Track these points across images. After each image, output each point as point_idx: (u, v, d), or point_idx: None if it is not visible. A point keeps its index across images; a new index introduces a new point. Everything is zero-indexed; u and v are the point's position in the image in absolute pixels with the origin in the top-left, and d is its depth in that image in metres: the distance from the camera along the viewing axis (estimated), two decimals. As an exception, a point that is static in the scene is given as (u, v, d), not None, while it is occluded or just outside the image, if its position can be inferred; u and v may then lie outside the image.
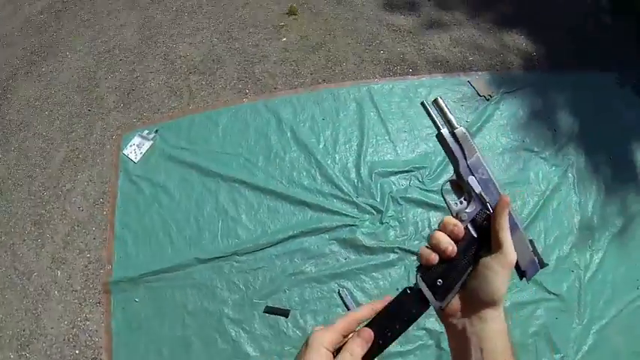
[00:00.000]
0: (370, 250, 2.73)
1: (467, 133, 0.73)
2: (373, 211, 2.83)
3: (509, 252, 0.64)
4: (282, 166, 3.03)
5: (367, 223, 2.79)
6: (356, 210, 2.82)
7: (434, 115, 0.74)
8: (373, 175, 2.96)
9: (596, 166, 3.26)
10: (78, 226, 3.89)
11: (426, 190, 2.92)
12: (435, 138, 0.76)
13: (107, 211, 3.63)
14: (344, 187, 2.89)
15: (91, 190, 4.03)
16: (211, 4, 5.39)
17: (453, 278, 0.65)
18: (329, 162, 3.02)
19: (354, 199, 2.85)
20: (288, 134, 3.12)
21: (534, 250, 0.70)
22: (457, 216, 0.70)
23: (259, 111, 3.26)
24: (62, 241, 3.85)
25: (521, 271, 0.69)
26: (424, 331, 2.54)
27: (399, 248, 2.73)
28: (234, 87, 4.36)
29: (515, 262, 0.65)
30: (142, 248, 2.83)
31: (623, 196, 3.20)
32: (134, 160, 3.11)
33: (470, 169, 0.71)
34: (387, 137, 3.15)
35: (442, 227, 0.69)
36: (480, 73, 3.54)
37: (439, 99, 0.74)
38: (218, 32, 4.95)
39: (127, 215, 2.95)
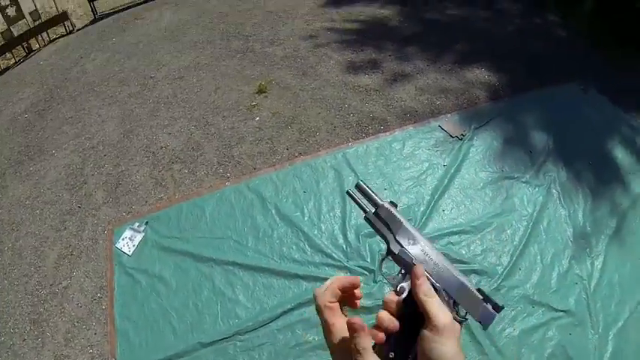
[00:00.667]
0: (368, 310, 2.72)
1: (390, 208, 0.74)
2: (365, 272, 2.89)
3: (438, 317, 0.63)
4: (271, 243, 3.09)
5: (361, 284, 2.90)
6: (349, 274, 2.85)
7: (358, 200, 0.77)
8: (360, 237, 3.03)
9: (578, 175, 3.32)
10: (78, 322, 3.99)
11: (414, 242, 3.07)
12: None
13: (106, 305, 3.76)
14: (334, 255, 2.97)
15: (88, 285, 4.17)
16: (185, 92, 5.81)
17: (401, 352, 0.65)
18: (316, 232, 3.10)
19: (346, 263, 2.92)
20: (273, 211, 3.21)
21: (485, 298, 0.68)
22: (396, 290, 0.71)
23: (242, 193, 3.37)
24: (63, 339, 3.93)
25: (478, 322, 0.68)
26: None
27: (396, 303, 2.83)
28: (215, 172, 4.62)
29: (447, 324, 0.62)
30: (145, 338, 2.85)
31: (610, 196, 3.21)
32: (128, 252, 3.21)
33: (398, 242, 0.74)
34: None
35: (384, 305, 0.70)
36: (449, 115, 3.64)
37: (360, 183, 0.77)
38: (194, 119, 5.30)
39: (127, 307, 2.99)
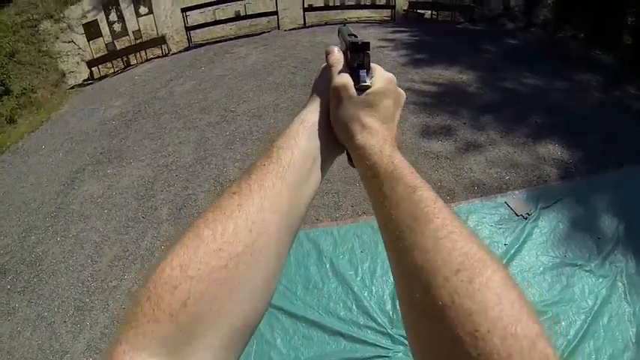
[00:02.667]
0: (408, 379, 2.66)
1: (341, 28, 0.77)
2: (407, 342, 2.92)
3: (332, 82, 0.65)
4: (319, 296, 3.12)
5: (400, 354, 2.80)
6: (390, 341, 2.85)
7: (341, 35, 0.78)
8: None
9: None
10: (118, 322, 4.12)
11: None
12: None
13: None
14: (379, 319, 2.95)
15: (135, 291, 4.35)
16: (261, 131, 6.15)
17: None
18: (365, 294, 3.10)
19: (389, 330, 2.89)
20: (327, 265, 3.26)
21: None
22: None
23: (301, 241, 3.43)
24: (100, 333, 4.06)
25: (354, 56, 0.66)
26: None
27: (434, 376, 2.77)
28: None
29: (333, 87, 0.64)
30: (178, 359, 3.09)
31: None
32: None
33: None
34: None
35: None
36: (516, 191, 3.57)
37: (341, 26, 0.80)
38: None
39: None
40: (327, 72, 0.68)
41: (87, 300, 4.35)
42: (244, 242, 0.47)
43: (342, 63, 0.67)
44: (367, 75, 0.64)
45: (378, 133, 0.61)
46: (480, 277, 0.40)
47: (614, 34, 9.86)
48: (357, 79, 0.64)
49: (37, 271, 4.82)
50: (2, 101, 9.42)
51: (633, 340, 2.65)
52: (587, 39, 10.06)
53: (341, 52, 0.70)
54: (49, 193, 6.14)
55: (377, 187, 0.55)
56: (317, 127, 0.63)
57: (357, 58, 0.65)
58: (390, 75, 0.68)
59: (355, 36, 0.70)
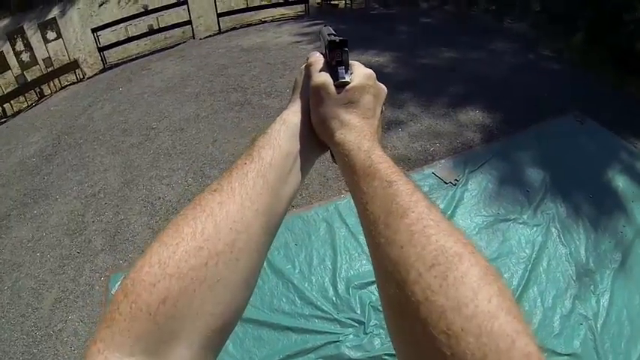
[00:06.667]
0: (358, 363, 2.75)
1: (322, 28, 0.80)
2: (355, 323, 2.93)
3: (312, 81, 0.66)
4: (262, 295, 3.18)
5: (351, 336, 2.87)
6: (338, 326, 2.94)
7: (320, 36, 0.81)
8: (351, 289, 3.08)
9: (578, 210, 3.20)
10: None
11: (407, 292, 3.13)
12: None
13: None
14: (324, 307, 3.03)
15: (82, 330, 4.28)
16: (184, 144, 6.16)
17: None
18: (306, 285, 3.17)
19: (335, 315, 2.97)
20: (264, 264, 3.42)
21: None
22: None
23: None
24: None
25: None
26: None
27: (387, 354, 2.78)
28: None
29: (314, 85, 0.65)
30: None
31: (614, 227, 3.09)
32: None
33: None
34: (359, 250, 3.30)
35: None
36: (442, 160, 3.69)
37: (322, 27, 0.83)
38: (192, 171, 5.63)
39: None
40: (307, 71, 0.70)
41: (35, 351, 4.25)
42: (224, 241, 0.47)
43: (322, 62, 0.69)
44: (346, 72, 0.65)
45: (357, 129, 0.62)
46: (455, 272, 0.39)
47: (522, 3, 10.51)
48: (336, 77, 0.65)
49: (-24, 334, 4.65)
50: None
51: (574, 278, 2.82)
52: (498, 11, 10.67)
53: (321, 54, 0.72)
54: (-25, 249, 5.88)
55: (355, 182, 0.55)
56: (298, 128, 0.64)
57: (336, 56, 0.65)
58: (369, 71, 0.68)
59: (335, 34, 0.72)
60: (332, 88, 0.63)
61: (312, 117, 0.66)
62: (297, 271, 3.31)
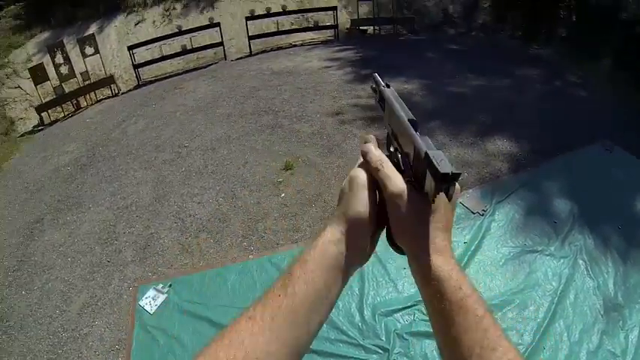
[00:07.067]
0: (383, 385, 2.73)
1: (385, 90, 0.79)
2: (380, 350, 2.88)
3: (388, 186, 0.63)
4: None
5: None
6: (363, 352, 2.90)
7: (375, 86, 0.83)
8: (377, 316, 3.04)
9: (606, 242, 3.11)
10: None
11: (431, 321, 3.11)
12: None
13: (122, 357, 4.01)
14: (350, 332, 2.99)
15: (107, 336, 4.42)
16: (215, 164, 6.36)
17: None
18: (333, 310, 3.30)
19: (361, 341, 2.93)
20: None
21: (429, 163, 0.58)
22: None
23: (264, 267, 3.49)
24: None
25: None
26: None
27: (409, 382, 2.75)
28: (240, 244, 4.96)
29: (394, 192, 0.62)
30: (155, 396, 2.99)
31: None
32: (149, 311, 3.40)
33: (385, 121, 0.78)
34: (387, 277, 3.27)
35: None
36: (470, 190, 3.63)
37: (375, 75, 0.84)
38: (223, 191, 5.78)
39: None
40: (356, 179, 0.67)
41: (59, 351, 4.38)
42: None
43: (389, 164, 0.66)
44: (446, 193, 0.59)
45: (446, 252, 0.62)
46: None
47: (549, 29, 10.66)
48: (420, 186, 0.62)
49: (4, 328, 4.82)
50: (-52, 157, 9.22)
51: (602, 312, 2.72)
52: (524, 36, 10.76)
53: (379, 150, 0.69)
54: (8, 247, 6.13)
55: (444, 309, 0.59)
56: (337, 261, 0.63)
57: (442, 188, 0.57)
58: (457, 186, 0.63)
59: (389, 91, 0.75)
60: (424, 206, 0.62)
61: (395, 227, 0.65)
62: None
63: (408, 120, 0.68)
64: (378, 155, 0.68)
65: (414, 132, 0.65)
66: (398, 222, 0.64)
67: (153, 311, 3.41)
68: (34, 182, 7.57)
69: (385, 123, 0.79)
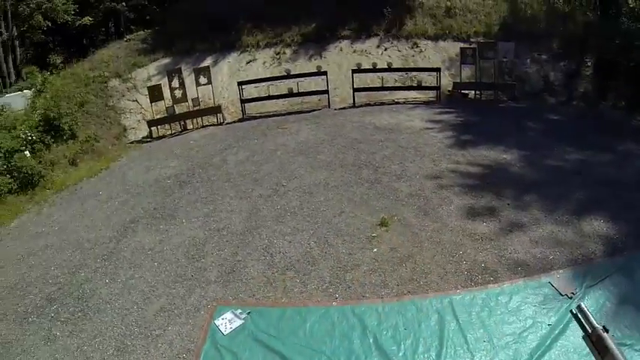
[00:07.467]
0: None
1: (604, 335, 0.84)
2: None
3: None
4: None
5: None
6: None
7: (580, 319, 0.91)
8: None
9: None
10: None
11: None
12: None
13: None
14: None
15: (177, 343, 4.44)
16: (311, 208, 6.43)
17: None
18: None
19: None
20: (371, 340, 3.33)
21: None
22: None
23: (346, 315, 3.54)
24: None
25: None
26: None
27: None
28: (325, 290, 4.90)
29: None
30: (215, 412, 2.94)
31: None
32: (223, 331, 3.50)
33: None
34: (465, 347, 3.24)
35: None
36: (560, 271, 3.58)
37: (582, 305, 0.90)
38: (316, 236, 5.79)
39: None
40: None
41: (128, 343, 4.54)
42: None
43: None
44: None
45: None
46: None
47: None
48: None
49: (82, 306, 5.11)
50: (68, 145, 10.24)
51: None
52: (628, 106, 10.20)
53: None
54: (102, 237, 6.56)
55: None
56: None
57: None
58: None
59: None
60: None
61: None
62: (401, 354, 3.30)
63: None
64: None
65: None
66: None
67: (227, 332, 3.52)
68: (135, 186, 8.11)
69: None
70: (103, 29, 21.50)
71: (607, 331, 0.88)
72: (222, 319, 3.66)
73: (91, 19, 18.68)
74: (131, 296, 5.18)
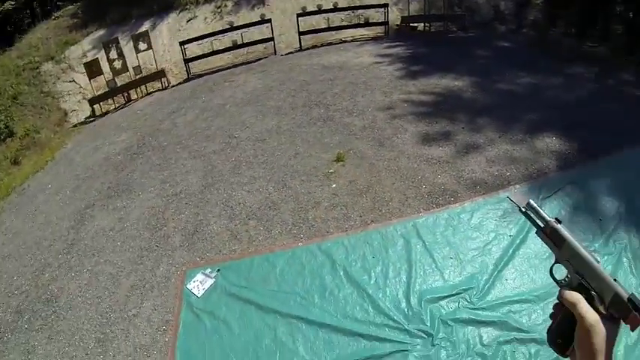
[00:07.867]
0: (428, 372, 2.77)
1: (557, 226, 0.86)
2: (424, 335, 2.97)
3: (584, 319, 0.75)
4: (336, 302, 3.23)
5: (419, 347, 2.93)
6: (407, 336, 2.98)
7: (532, 216, 0.91)
8: (422, 303, 3.13)
9: None
10: (140, 348, 4.17)
11: (475, 309, 3.05)
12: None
13: (169, 337, 3.88)
14: (395, 317, 3.08)
15: (155, 317, 4.40)
16: (266, 154, 6.27)
17: (567, 338, 0.79)
18: (380, 295, 3.22)
19: (405, 326, 3.02)
20: (341, 273, 3.38)
21: (634, 305, 0.76)
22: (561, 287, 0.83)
23: (314, 253, 3.58)
24: None
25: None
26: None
27: (452, 366, 2.78)
28: (289, 232, 4.87)
29: (591, 324, 0.74)
30: (201, 375, 2.98)
31: None
32: (197, 294, 3.47)
33: (558, 257, 0.86)
34: (433, 266, 3.37)
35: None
36: (517, 186, 3.78)
37: (530, 201, 0.91)
38: (273, 181, 5.69)
39: (188, 344, 3.18)
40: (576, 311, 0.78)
41: (107, 331, 4.43)
42: None
43: (584, 302, 0.78)
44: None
45: None
46: None
47: (604, 26, 10.23)
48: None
49: (53, 308, 4.88)
50: (6, 143, 9.61)
51: None
52: (578, 34, 10.36)
53: (572, 293, 0.81)
54: (59, 230, 6.24)
55: None
56: None
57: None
58: None
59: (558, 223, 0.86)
60: (611, 333, 0.74)
61: (581, 348, 0.76)
62: (372, 281, 3.37)
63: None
64: (574, 299, 0.79)
65: (613, 280, 0.80)
66: (587, 345, 0.74)
67: (200, 294, 3.49)
68: (85, 170, 7.71)
69: (561, 258, 0.87)
70: (28, 11, 19.92)
71: (560, 222, 0.86)
72: (194, 281, 3.62)
73: (12, 2, 17.23)
74: (100, 283, 5.00)
